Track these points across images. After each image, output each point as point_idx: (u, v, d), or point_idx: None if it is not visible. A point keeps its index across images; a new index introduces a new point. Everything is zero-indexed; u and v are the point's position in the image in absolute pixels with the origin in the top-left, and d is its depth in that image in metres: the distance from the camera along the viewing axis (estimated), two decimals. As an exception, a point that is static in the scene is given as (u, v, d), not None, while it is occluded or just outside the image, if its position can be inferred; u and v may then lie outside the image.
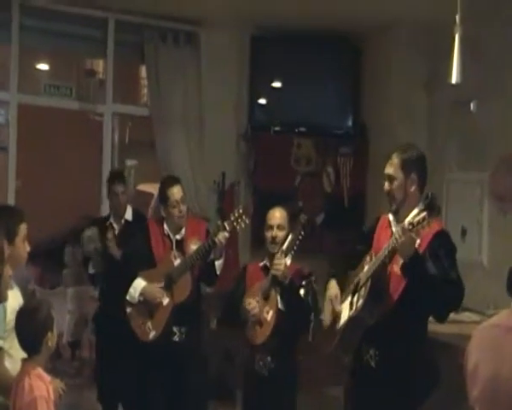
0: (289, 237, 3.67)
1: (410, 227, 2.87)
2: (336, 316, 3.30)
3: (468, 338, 2.75)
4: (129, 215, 4.79)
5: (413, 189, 3.19)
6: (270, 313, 3.67)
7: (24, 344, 2.75)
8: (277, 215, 3.80)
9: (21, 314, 2.77)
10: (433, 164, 5.57)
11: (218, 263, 4.04)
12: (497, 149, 4.95)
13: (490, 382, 2.55)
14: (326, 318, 3.37)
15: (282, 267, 3.61)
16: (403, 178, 3.18)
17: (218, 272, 4.06)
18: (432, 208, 2.86)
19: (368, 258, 3.21)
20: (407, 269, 2.96)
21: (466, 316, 4.14)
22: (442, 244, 3.09)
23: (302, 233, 3.66)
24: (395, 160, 3.21)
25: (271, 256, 3.73)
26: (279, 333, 3.65)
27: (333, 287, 3.36)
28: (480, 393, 2.59)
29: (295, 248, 3.68)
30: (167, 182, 4.20)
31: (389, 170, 3.22)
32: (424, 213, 2.86)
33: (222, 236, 3.89)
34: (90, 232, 4.67)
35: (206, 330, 4.43)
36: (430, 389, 3.18)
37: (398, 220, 3.21)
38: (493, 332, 2.63)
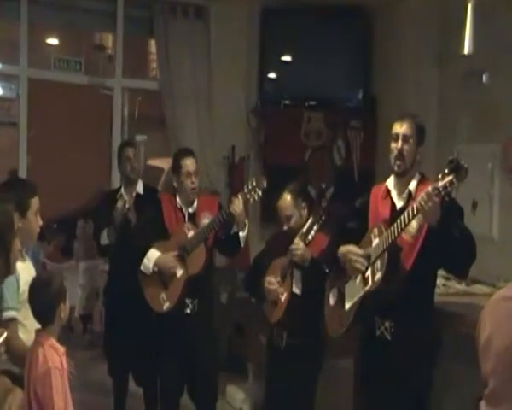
0: (309, 220, 3.65)
1: (436, 192, 2.75)
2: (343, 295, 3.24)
3: (480, 309, 2.75)
4: (140, 189, 4.76)
5: (419, 159, 3.16)
6: (285, 295, 3.67)
7: (37, 315, 2.78)
8: (284, 205, 3.74)
9: (35, 285, 2.80)
10: (444, 136, 5.59)
11: (243, 235, 4.01)
12: (509, 122, 4.90)
13: (504, 354, 2.55)
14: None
15: (299, 252, 3.59)
16: (415, 142, 3.14)
17: (242, 244, 4.04)
18: (459, 172, 2.71)
19: (376, 231, 3.12)
20: (435, 233, 2.90)
21: (477, 288, 4.15)
22: (452, 204, 3.03)
23: (323, 218, 3.63)
24: (410, 122, 3.14)
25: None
26: (293, 315, 3.64)
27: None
28: (494, 366, 2.59)
29: (314, 232, 3.64)
30: (181, 153, 4.22)
31: (405, 130, 3.13)
32: (450, 177, 2.71)
33: (236, 203, 3.87)
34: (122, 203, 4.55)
35: (217, 304, 4.43)
36: (436, 356, 3.19)
37: (398, 190, 3.18)
38: (508, 305, 2.63)
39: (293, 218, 3.73)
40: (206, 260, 4.05)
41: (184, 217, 4.13)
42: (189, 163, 4.08)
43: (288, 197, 3.76)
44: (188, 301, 4.04)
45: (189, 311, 4.05)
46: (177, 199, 4.15)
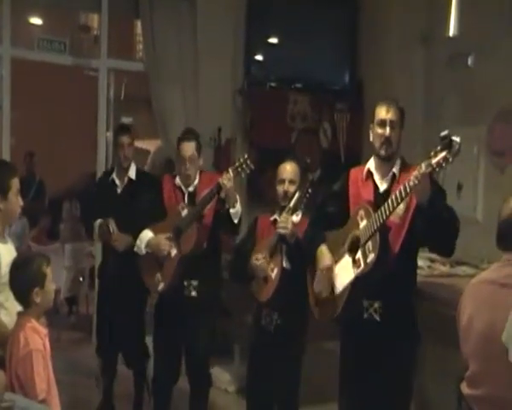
0: (296, 194, 3.61)
1: (430, 169, 2.75)
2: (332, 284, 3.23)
3: (463, 291, 2.77)
4: (132, 173, 4.67)
5: (399, 142, 3.16)
6: (275, 270, 3.63)
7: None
8: (289, 169, 3.73)
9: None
10: (430, 119, 5.59)
11: (234, 211, 3.89)
12: (494, 104, 4.91)
13: (484, 335, 2.57)
14: (324, 288, 3.26)
15: (288, 226, 3.55)
16: (400, 127, 3.15)
17: (235, 221, 3.91)
18: (453, 147, 2.69)
19: (362, 212, 3.08)
20: (424, 211, 2.89)
21: (461, 270, 4.18)
22: (436, 185, 3.03)
23: (310, 191, 3.58)
24: (395, 108, 3.14)
25: (282, 211, 3.68)
26: (284, 291, 3.61)
27: (326, 256, 3.27)
28: (473, 348, 2.62)
29: (303, 206, 3.61)
30: (182, 136, 4.12)
31: (392, 116, 3.12)
32: (443, 154, 2.70)
33: (226, 177, 3.80)
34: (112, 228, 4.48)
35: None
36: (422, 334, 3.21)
37: (381, 173, 3.18)
38: (488, 288, 2.65)
39: (295, 186, 3.69)
40: (200, 238, 3.96)
41: (184, 196, 4.09)
42: (185, 148, 4.00)
43: (293, 164, 3.75)
44: (185, 282, 3.98)
45: (187, 293, 3.99)
46: (177, 179, 4.11)
